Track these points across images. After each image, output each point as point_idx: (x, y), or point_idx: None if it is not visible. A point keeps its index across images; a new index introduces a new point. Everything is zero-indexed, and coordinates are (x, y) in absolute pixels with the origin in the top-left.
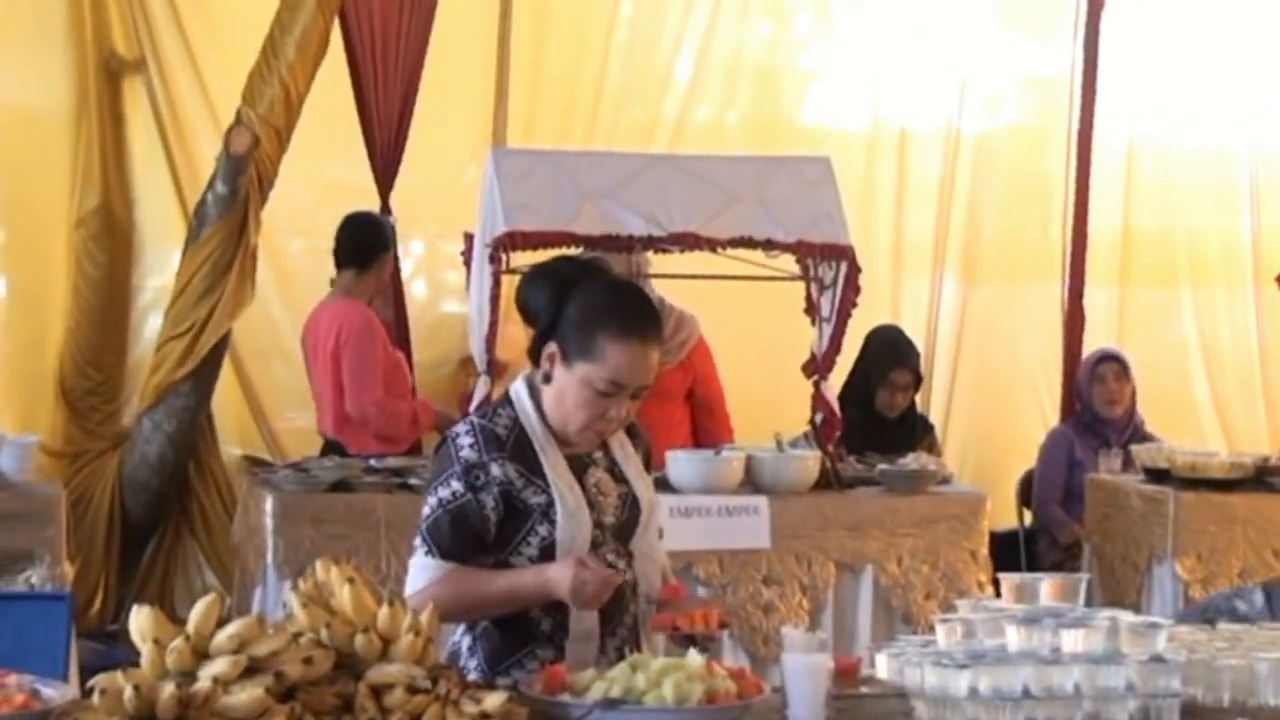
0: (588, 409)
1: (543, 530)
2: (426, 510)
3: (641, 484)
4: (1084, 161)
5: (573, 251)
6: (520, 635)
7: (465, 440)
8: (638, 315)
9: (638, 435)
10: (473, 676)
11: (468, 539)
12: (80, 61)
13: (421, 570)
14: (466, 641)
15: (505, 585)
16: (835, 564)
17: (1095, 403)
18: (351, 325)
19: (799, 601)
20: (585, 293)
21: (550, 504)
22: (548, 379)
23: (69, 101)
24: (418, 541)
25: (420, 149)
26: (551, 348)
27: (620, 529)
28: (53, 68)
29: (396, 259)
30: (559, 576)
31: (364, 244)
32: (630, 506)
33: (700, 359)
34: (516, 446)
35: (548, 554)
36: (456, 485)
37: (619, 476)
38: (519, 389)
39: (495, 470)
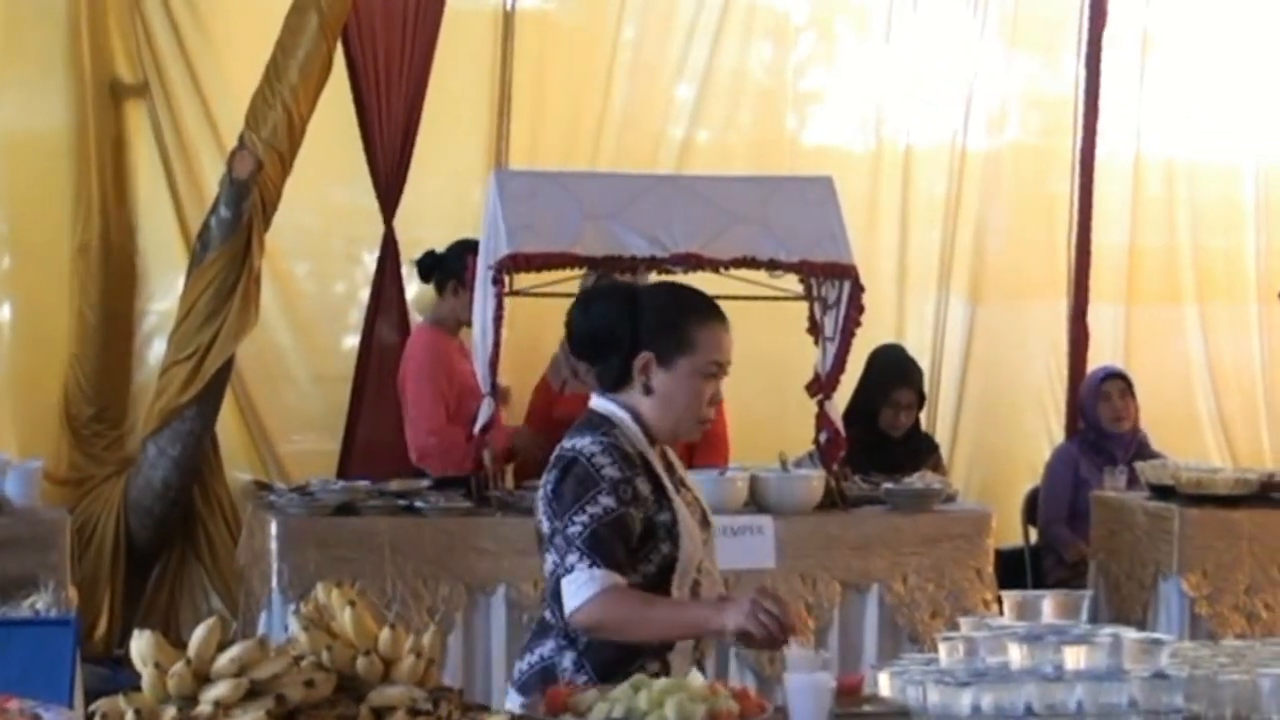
0: (699, 398)
1: (664, 548)
2: (577, 529)
3: (702, 497)
4: (1087, 179)
5: (576, 273)
6: (629, 649)
7: (604, 459)
8: (704, 300)
9: None
10: None
11: (625, 550)
12: (82, 86)
13: (587, 583)
14: (570, 657)
15: (678, 610)
16: (840, 583)
17: (1102, 420)
18: (415, 355)
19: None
20: (650, 299)
21: (673, 522)
22: (648, 390)
23: (71, 127)
24: (573, 559)
25: (424, 171)
26: (645, 357)
27: (706, 543)
28: (55, 93)
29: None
30: (735, 612)
31: (434, 267)
32: (705, 519)
33: None
34: (644, 465)
35: (665, 571)
36: (607, 500)
37: (691, 492)
38: (616, 412)
39: (641, 487)
